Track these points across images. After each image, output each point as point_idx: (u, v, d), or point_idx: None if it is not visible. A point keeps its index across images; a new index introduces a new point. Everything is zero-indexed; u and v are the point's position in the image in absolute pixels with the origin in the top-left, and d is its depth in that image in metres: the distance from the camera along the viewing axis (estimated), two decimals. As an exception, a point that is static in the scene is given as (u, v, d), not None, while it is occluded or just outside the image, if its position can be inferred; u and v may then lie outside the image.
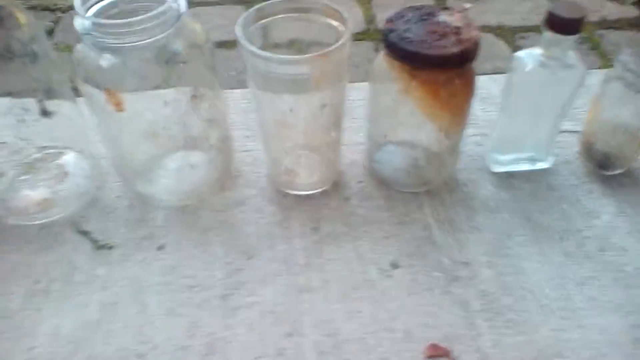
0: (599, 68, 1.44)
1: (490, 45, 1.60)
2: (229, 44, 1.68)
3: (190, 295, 0.47)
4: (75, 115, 0.53)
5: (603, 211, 0.54)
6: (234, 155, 0.59)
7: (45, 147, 0.54)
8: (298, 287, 0.48)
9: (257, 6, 0.46)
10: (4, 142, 0.52)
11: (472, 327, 0.45)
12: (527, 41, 1.68)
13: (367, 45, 1.53)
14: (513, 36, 1.71)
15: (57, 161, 0.54)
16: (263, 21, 0.47)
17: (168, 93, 0.47)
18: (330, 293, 0.47)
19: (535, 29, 1.74)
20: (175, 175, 0.54)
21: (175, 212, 0.54)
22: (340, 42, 0.43)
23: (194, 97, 0.46)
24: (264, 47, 0.45)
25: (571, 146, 0.61)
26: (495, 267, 0.49)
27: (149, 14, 0.40)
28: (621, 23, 1.76)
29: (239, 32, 0.44)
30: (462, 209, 0.54)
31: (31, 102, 0.50)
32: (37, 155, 0.54)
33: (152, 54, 0.43)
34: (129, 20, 0.40)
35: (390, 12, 0.47)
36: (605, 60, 1.58)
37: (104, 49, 0.42)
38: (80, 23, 0.42)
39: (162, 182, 0.54)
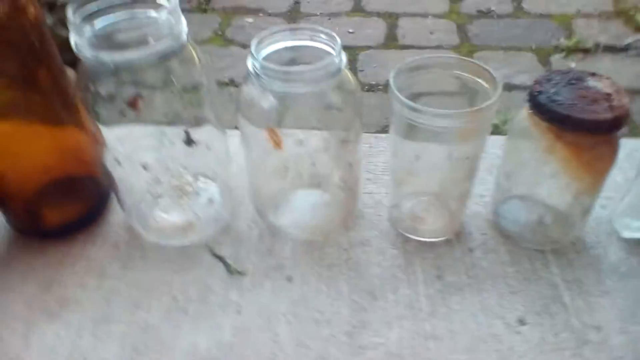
0: None
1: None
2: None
3: (318, 329, 0.49)
4: (219, 144, 0.57)
5: None
6: (360, 196, 0.61)
7: (195, 174, 0.59)
8: (424, 333, 0.48)
9: (411, 59, 0.49)
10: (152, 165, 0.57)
11: (605, 398, 0.44)
12: (637, 104, 1.63)
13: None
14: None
15: (201, 187, 0.59)
16: (414, 73, 0.50)
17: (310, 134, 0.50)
18: (457, 343, 0.47)
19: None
20: (306, 211, 0.57)
21: (302, 245, 0.57)
22: (492, 100, 0.44)
23: (343, 141, 0.49)
24: (410, 97, 0.48)
25: None
26: (628, 333, 0.48)
27: (317, 65, 0.44)
28: None
29: (391, 81, 0.47)
30: (591, 271, 0.53)
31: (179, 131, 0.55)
32: (187, 180, 0.58)
33: (313, 100, 0.46)
34: (298, 69, 0.44)
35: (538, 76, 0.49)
36: None
37: (269, 91, 0.46)
38: (252, 63, 0.46)
39: (292, 215, 0.57)
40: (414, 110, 0.45)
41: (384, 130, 1.57)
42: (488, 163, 0.67)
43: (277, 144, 0.47)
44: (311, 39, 0.49)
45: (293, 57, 0.49)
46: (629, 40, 1.92)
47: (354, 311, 0.50)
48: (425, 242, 0.57)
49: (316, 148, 0.52)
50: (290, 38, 0.49)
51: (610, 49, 1.87)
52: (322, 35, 0.48)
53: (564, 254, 0.55)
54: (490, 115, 0.46)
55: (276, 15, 2.19)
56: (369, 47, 1.96)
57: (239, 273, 0.54)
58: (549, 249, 0.55)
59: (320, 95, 0.47)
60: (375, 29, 2.07)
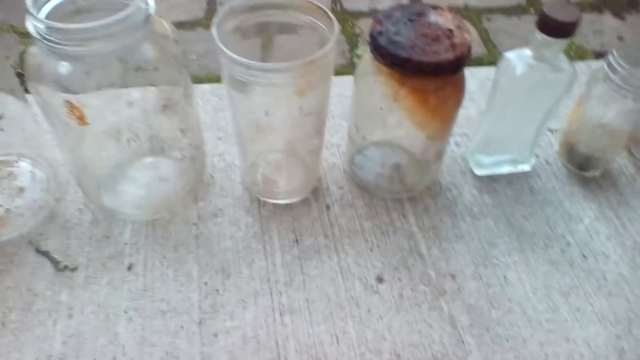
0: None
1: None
2: (187, 25, 1.60)
3: (164, 322, 0.44)
4: (26, 118, 0.48)
5: (585, 215, 0.54)
6: (207, 161, 0.55)
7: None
8: (280, 308, 0.45)
9: (230, 4, 0.42)
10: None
11: (462, 345, 0.43)
12: (492, 23, 1.67)
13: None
14: (479, 17, 1.70)
15: (9, 173, 0.49)
16: (238, 20, 0.43)
17: (132, 92, 0.42)
18: (313, 314, 0.45)
19: (501, 11, 1.74)
20: (144, 187, 0.49)
21: (144, 226, 0.50)
22: (327, 48, 0.39)
23: (164, 106, 0.42)
24: (238, 43, 0.42)
25: (549, 146, 0.60)
26: (481, 278, 0.48)
27: (115, 17, 0.35)
28: (583, 5, 1.78)
29: (214, 32, 0.40)
30: (446, 216, 0.52)
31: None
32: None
33: (119, 61, 0.38)
34: (92, 24, 0.35)
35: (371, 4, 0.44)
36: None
37: (62, 55, 0.37)
38: (34, 26, 0.36)
39: (128, 194, 0.50)
40: (243, 66, 0.39)
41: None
42: (344, 107, 0.63)
43: (80, 118, 0.38)
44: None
45: (84, 6, 0.40)
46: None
47: (205, 295, 0.45)
48: (282, 204, 0.52)
49: (141, 103, 0.43)
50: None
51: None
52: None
53: (420, 200, 0.53)
54: (328, 65, 0.41)
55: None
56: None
57: (69, 269, 0.47)
58: (405, 197, 0.53)
59: (126, 52, 0.38)
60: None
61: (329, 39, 0.40)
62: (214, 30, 0.40)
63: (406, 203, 0.53)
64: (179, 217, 0.51)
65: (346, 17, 1.64)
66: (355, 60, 1.48)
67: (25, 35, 1.49)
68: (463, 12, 1.71)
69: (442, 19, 0.43)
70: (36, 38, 0.36)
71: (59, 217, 0.50)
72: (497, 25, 1.67)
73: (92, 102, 0.39)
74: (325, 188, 0.54)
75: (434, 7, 0.44)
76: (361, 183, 0.54)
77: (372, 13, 1.69)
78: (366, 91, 0.46)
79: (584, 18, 1.67)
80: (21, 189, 0.48)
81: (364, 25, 1.64)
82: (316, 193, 0.54)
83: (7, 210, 0.47)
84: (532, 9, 1.74)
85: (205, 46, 1.53)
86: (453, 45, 0.41)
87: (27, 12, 0.37)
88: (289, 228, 0.50)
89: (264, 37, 0.46)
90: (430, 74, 0.41)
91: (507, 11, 1.73)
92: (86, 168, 0.48)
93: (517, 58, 0.48)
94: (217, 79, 1.40)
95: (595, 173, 0.57)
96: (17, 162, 0.49)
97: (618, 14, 1.74)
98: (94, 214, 0.51)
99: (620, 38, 1.65)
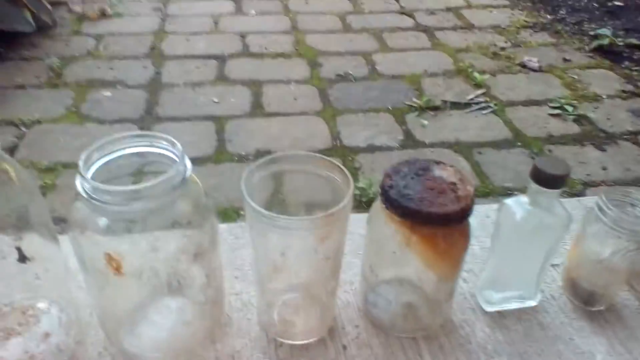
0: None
1: (451, 162, 1.68)
2: (199, 161, 1.69)
3: None
4: (58, 261, 0.50)
5: (596, 350, 0.55)
6: (225, 301, 0.56)
7: (28, 299, 0.50)
8: None
9: (261, 160, 0.47)
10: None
11: None
12: (484, 156, 1.78)
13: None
14: (470, 151, 1.81)
15: (38, 318, 0.50)
16: (265, 173, 0.48)
17: (167, 243, 0.45)
18: None
19: (490, 145, 1.86)
20: (167, 330, 0.51)
21: (163, 370, 0.50)
22: (345, 202, 0.43)
23: (195, 255, 0.45)
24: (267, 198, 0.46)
25: (553, 281, 0.63)
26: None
27: (158, 180, 0.40)
28: (566, 139, 1.91)
29: (243, 187, 0.45)
30: (461, 354, 0.53)
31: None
32: (6, 309, 0.49)
33: (156, 217, 0.42)
34: (136, 187, 0.39)
35: (387, 168, 0.49)
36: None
37: (105, 212, 0.41)
38: (82, 185, 0.41)
39: (149, 337, 0.51)
40: (266, 217, 0.43)
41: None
42: (354, 245, 0.66)
43: (117, 269, 0.41)
44: (151, 145, 0.45)
45: (132, 163, 0.45)
46: (471, 96, 2.13)
47: None
48: (299, 345, 0.53)
49: (174, 252, 0.46)
50: (125, 145, 0.44)
51: (456, 105, 2.06)
52: (162, 142, 0.45)
53: (434, 338, 0.55)
54: (345, 215, 0.45)
55: (135, 87, 2.11)
56: (235, 117, 1.95)
57: (87, 417, 0.46)
58: (420, 336, 0.55)
59: (164, 210, 0.42)
60: (240, 98, 2.07)
61: (343, 191, 0.45)
62: (242, 184, 0.45)
63: (421, 342, 0.54)
64: (197, 359, 0.52)
65: (346, 153, 1.75)
66: (357, 191, 1.54)
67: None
68: (455, 147, 1.83)
69: (446, 173, 0.48)
70: (85, 198, 0.40)
71: (78, 361, 0.51)
72: (488, 158, 1.77)
73: (129, 253, 0.42)
74: (341, 327, 0.55)
75: (437, 162, 0.50)
76: (376, 321, 0.56)
77: (369, 148, 1.80)
78: (380, 237, 0.50)
79: (568, 151, 1.79)
80: (47, 334, 0.49)
81: (362, 159, 1.74)
82: (332, 332, 0.55)
83: (32, 357, 0.48)
84: (518, 143, 1.86)
85: (215, 181, 1.61)
86: (458, 198, 0.45)
87: (77, 172, 0.41)
88: (306, 370, 0.51)
89: (277, 182, 0.50)
90: (439, 223, 0.45)
91: (496, 145, 1.85)
92: (111, 310, 0.50)
93: (516, 204, 0.52)
94: (224, 212, 1.46)
95: (601, 307, 0.59)
96: (48, 307, 0.51)
97: (599, 147, 1.86)
98: (114, 358, 0.51)
99: (604, 168, 1.75)
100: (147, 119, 1.92)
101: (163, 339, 0.51)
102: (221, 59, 2.36)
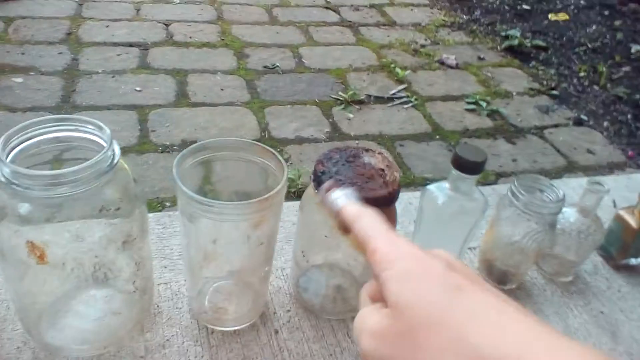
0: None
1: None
2: (121, 151, 1.62)
3: None
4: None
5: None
6: (154, 291, 0.55)
7: None
8: None
9: (193, 145, 0.47)
10: None
11: None
12: (405, 148, 1.85)
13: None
14: (393, 143, 1.87)
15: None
16: (198, 159, 0.47)
17: (92, 231, 0.44)
18: None
19: (411, 137, 1.93)
20: (93, 321, 0.49)
21: (89, 362, 0.49)
22: (280, 186, 0.44)
23: (124, 242, 0.44)
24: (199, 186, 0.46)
25: (470, 262, 0.67)
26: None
27: (84, 164, 0.38)
28: (480, 132, 2.02)
29: (175, 172, 0.44)
30: (388, 333, 0.56)
31: None
32: None
33: (82, 202, 0.40)
34: (60, 171, 0.38)
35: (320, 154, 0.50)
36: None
37: (26, 198, 0.39)
38: (1, 169, 0.38)
39: (73, 329, 0.49)
40: (200, 202, 0.43)
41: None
42: (286, 232, 0.67)
43: (41, 257, 0.39)
44: (76, 129, 0.44)
45: (51, 149, 0.43)
46: (393, 91, 2.20)
47: None
48: (231, 331, 0.54)
49: (100, 241, 0.45)
50: (48, 130, 0.42)
51: (379, 99, 2.12)
52: (89, 126, 0.43)
53: (363, 319, 0.57)
54: (279, 200, 0.46)
55: (50, 74, 1.98)
56: (159, 106, 1.89)
57: (6, 415, 0.44)
58: (349, 317, 0.57)
59: (91, 197, 0.41)
60: (164, 87, 2.01)
61: (274, 179, 0.45)
62: (174, 170, 0.44)
63: (350, 323, 0.56)
64: (125, 351, 0.50)
65: (274, 144, 1.75)
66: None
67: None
68: (378, 139, 1.88)
69: (375, 160, 0.50)
70: (4, 183, 0.38)
71: (-5, 358, 0.48)
72: (409, 150, 1.84)
73: (52, 242, 0.40)
74: (272, 312, 0.56)
75: (366, 150, 0.52)
76: (307, 305, 0.57)
77: (297, 140, 1.82)
78: (312, 222, 0.51)
79: (481, 143, 1.89)
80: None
81: (291, 151, 1.75)
82: (264, 317, 0.56)
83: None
84: (437, 136, 1.95)
85: (139, 171, 1.56)
86: (386, 183, 0.48)
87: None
88: (239, 356, 0.51)
89: (207, 169, 0.50)
90: (368, 207, 0.46)
91: (417, 137, 1.93)
92: (32, 302, 0.47)
93: (438, 189, 0.55)
94: (149, 203, 1.42)
95: (512, 286, 0.64)
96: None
97: (509, 140, 1.99)
98: (35, 352, 0.49)
99: (514, 160, 1.87)
100: (64, 107, 1.81)
101: (89, 330, 0.49)
102: (143, 47, 2.27)
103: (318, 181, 0.48)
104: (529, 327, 0.26)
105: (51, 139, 0.43)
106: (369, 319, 0.29)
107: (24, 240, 0.39)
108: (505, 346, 0.24)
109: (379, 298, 0.31)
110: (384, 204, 0.47)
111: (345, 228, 0.37)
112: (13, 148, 0.40)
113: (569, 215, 0.63)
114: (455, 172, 0.53)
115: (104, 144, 0.42)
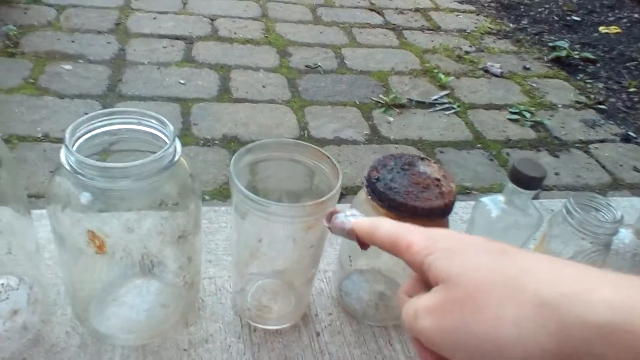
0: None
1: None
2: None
3: None
4: (28, 235, 0.48)
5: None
6: (200, 286, 0.56)
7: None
8: None
9: (249, 145, 0.47)
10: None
11: None
12: (445, 155, 1.82)
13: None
14: (433, 149, 1.85)
15: (7, 295, 0.48)
16: (253, 159, 0.48)
17: (150, 223, 0.44)
18: None
19: (452, 144, 1.90)
20: (143, 312, 0.50)
21: (134, 352, 0.50)
22: (334, 190, 0.44)
23: (179, 237, 0.44)
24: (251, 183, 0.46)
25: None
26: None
27: (147, 159, 0.39)
28: (523, 143, 1.98)
29: (232, 169, 0.44)
30: (430, 345, 0.55)
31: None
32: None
33: (143, 197, 0.41)
34: (125, 165, 0.38)
35: (374, 161, 0.50)
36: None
37: (89, 188, 0.40)
38: (67, 157, 0.39)
39: (121, 318, 0.50)
40: (256, 202, 0.43)
41: (222, 189, 1.53)
42: (329, 235, 0.67)
43: (100, 247, 0.40)
44: (139, 123, 0.44)
45: (115, 141, 0.44)
46: (435, 96, 2.17)
47: None
48: (272, 330, 0.54)
49: (148, 233, 0.46)
50: (113, 122, 0.43)
51: (421, 104, 2.10)
52: (152, 120, 0.44)
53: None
54: (333, 204, 0.46)
55: (98, 62, 2.03)
56: (202, 100, 1.92)
57: (55, 398, 0.45)
58: (391, 325, 0.56)
59: (151, 191, 0.41)
60: (208, 81, 2.04)
61: (323, 177, 0.45)
62: (232, 168, 0.45)
63: (392, 331, 0.56)
64: (169, 342, 0.51)
65: (313, 144, 1.75)
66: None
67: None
68: (418, 144, 1.86)
69: (430, 169, 0.49)
70: (70, 172, 0.39)
71: (44, 341, 0.49)
72: (449, 157, 1.82)
73: (111, 232, 0.41)
74: (315, 314, 0.56)
75: (422, 158, 0.51)
76: (349, 309, 0.57)
77: (336, 141, 1.82)
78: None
79: (524, 155, 1.85)
80: (14, 312, 0.48)
81: (329, 151, 1.75)
82: (306, 319, 0.55)
83: (-2, 334, 0.46)
84: (478, 144, 1.91)
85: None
86: (442, 194, 0.47)
87: (64, 144, 0.40)
88: (280, 356, 0.51)
89: (258, 167, 0.50)
90: (423, 217, 0.46)
91: (457, 145, 1.90)
92: (81, 288, 0.48)
93: (492, 202, 0.54)
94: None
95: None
96: (17, 283, 0.49)
97: (553, 153, 1.95)
98: (83, 338, 0.50)
99: (557, 174, 1.83)
100: (110, 96, 1.86)
101: (137, 320, 0.50)
102: (189, 40, 2.31)
103: (372, 188, 0.47)
104: (583, 269, 0.27)
105: (114, 130, 0.44)
106: (420, 302, 0.29)
107: (84, 229, 0.40)
108: (563, 286, 0.25)
109: (417, 291, 0.32)
110: (439, 215, 0.47)
111: (362, 243, 0.36)
112: (79, 138, 0.41)
113: (624, 236, 0.61)
114: (511, 185, 0.52)
115: (167, 140, 0.42)
